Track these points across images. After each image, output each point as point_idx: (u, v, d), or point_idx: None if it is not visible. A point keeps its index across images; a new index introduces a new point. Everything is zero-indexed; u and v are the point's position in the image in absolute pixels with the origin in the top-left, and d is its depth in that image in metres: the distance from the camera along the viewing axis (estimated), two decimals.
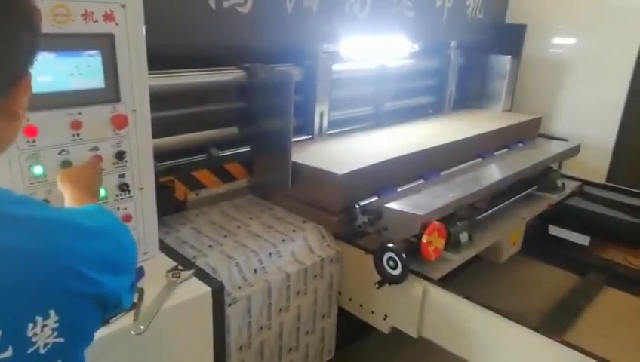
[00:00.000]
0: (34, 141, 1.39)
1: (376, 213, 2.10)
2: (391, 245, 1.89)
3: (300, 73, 2.65)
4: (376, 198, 2.25)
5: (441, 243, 1.99)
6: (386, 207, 2.08)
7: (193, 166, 2.29)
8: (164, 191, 2.13)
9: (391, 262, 1.90)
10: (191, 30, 2.14)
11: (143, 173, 1.66)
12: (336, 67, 2.77)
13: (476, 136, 2.91)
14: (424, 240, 1.90)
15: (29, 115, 1.36)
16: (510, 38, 4.03)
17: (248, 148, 2.47)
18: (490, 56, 3.88)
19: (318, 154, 2.44)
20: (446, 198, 2.17)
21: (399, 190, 2.37)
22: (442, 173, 2.65)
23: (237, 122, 2.43)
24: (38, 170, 1.41)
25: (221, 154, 2.38)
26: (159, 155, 2.07)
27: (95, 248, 0.82)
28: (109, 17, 1.45)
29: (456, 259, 2.07)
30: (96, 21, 1.43)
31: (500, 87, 3.90)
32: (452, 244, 2.08)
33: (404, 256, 1.86)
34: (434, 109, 3.72)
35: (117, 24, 1.47)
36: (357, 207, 2.16)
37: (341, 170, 2.13)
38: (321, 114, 2.77)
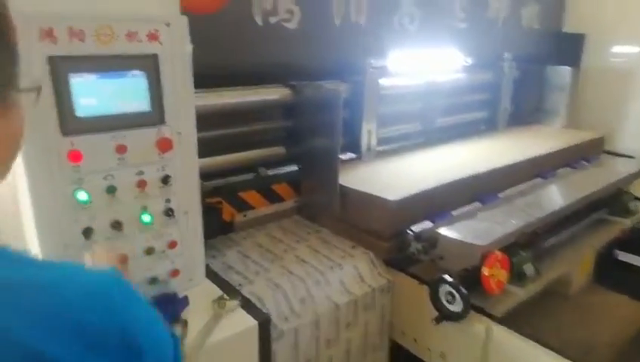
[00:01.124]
0: (78, 166, 1.34)
1: (431, 241, 1.94)
2: (448, 278, 1.72)
3: (347, 89, 2.54)
4: (429, 224, 2.08)
5: (504, 275, 1.80)
6: (442, 235, 1.91)
7: (240, 186, 2.22)
8: (211, 213, 2.07)
9: (449, 296, 1.73)
10: (236, 47, 2.09)
11: (188, 197, 1.59)
12: (384, 82, 2.64)
13: (537, 157, 2.69)
14: (485, 272, 1.72)
15: (73, 139, 1.31)
16: (568, 49, 3.78)
17: (295, 168, 2.37)
18: (547, 67, 3.65)
19: (367, 177, 2.31)
20: (507, 225, 1.98)
21: (454, 214, 2.19)
22: (500, 196, 2.45)
23: (284, 141, 2.35)
24: (82, 195, 1.35)
25: (268, 174, 2.29)
26: (206, 175, 2.01)
27: None
28: (153, 37, 1.40)
29: (522, 294, 1.87)
30: (140, 41, 1.37)
31: (558, 101, 3.66)
32: (516, 277, 1.89)
33: (463, 290, 1.68)
34: (487, 126, 3.51)
35: (161, 44, 1.42)
36: (410, 233, 2.00)
37: (393, 195, 1.99)
38: (369, 132, 2.64)
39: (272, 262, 1.99)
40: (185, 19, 1.45)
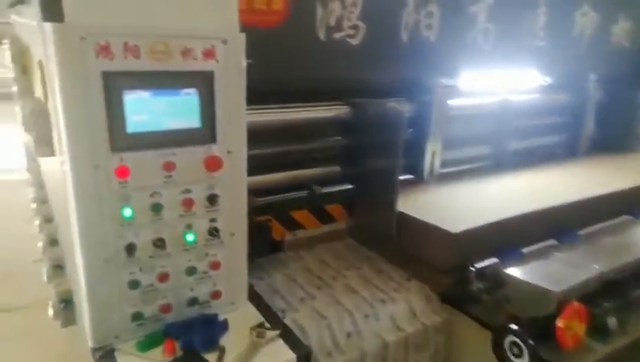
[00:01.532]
0: (125, 182, 1.32)
1: (497, 281, 1.75)
2: (515, 327, 1.52)
3: (412, 109, 2.41)
4: (495, 260, 1.89)
5: (581, 328, 1.57)
6: (511, 276, 1.72)
7: (292, 205, 2.15)
8: (261, 231, 2.01)
9: (514, 348, 1.54)
10: (297, 63, 2.03)
11: (235, 218, 1.53)
12: (452, 102, 2.48)
13: (625, 190, 2.39)
14: (561, 324, 1.51)
15: (122, 155, 1.29)
16: None
17: (349, 188, 2.27)
18: (638, 90, 3.28)
19: (428, 203, 2.16)
20: (589, 270, 1.74)
21: (525, 251, 1.98)
22: (580, 233, 2.19)
23: (340, 160, 2.25)
24: (127, 212, 1.33)
25: (321, 194, 2.20)
26: (258, 192, 1.96)
27: None
28: (208, 54, 1.36)
29: (603, 350, 1.63)
30: (195, 58, 1.34)
31: None
32: (596, 331, 1.65)
33: (532, 343, 1.48)
34: (565, 151, 3.21)
35: (217, 61, 1.38)
36: (472, 269, 1.82)
37: (455, 226, 1.83)
38: (433, 154, 2.48)
39: (320, 288, 1.88)
40: (242, 37, 1.41)
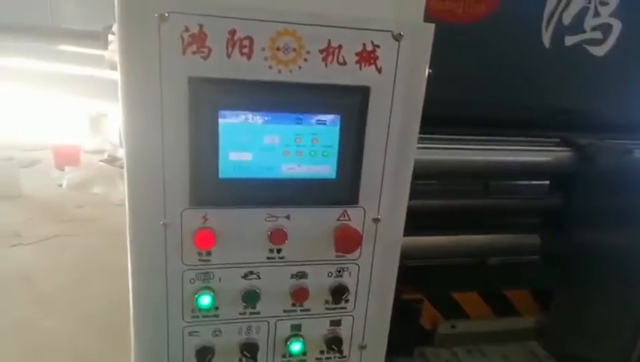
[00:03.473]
0: (209, 253, 0.83)
1: None
2: None
3: None
4: None
5: None
6: None
7: (456, 281, 1.48)
8: (405, 315, 1.40)
9: None
10: (499, 78, 1.34)
11: (372, 325, 0.95)
12: None
13: None
14: None
15: (208, 212, 0.80)
16: None
17: (548, 270, 1.50)
18: None
19: None
20: None
21: None
22: None
23: (541, 227, 1.50)
24: (205, 300, 0.84)
25: (500, 270, 1.49)
26: (406, 257, 1.34)
27: None
28: (367, 57, 0.79)
29: None
30: (343, 63, 0.78)
31: None
32: None
33: None
34: None
35: (379, 70, 0.80)
36: None
37: None
38: None
39: None
40: (430, 30, 0.81)
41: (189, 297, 0.84)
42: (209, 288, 0.84)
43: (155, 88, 0.73)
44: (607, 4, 1.32)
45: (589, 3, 1.31)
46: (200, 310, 0.85)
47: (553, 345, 1.54)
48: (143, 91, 0.73)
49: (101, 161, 5.72)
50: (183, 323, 0.86)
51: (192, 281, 0.84)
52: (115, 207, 4.41)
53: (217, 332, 0.88)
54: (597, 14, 1.32)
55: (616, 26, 1.34)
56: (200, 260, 0.83)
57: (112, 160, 5.65)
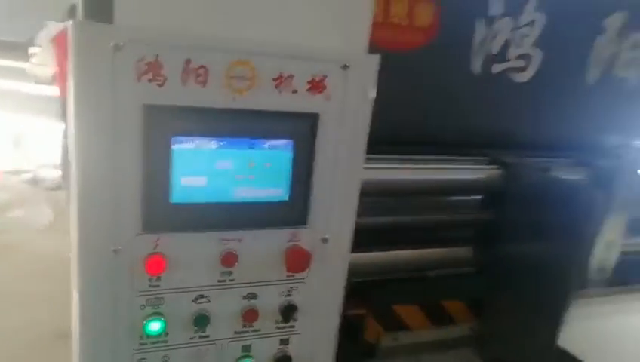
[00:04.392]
0: (158, 279, 0.82)
1: None
2: None
3: (581, 175, 1.70)
4: None
5: None
6: None
7: (397, 296, 1.55)
8: (350, 331, 1.44)
9: None
10: (430, 102, 1.44)
11: (319, 342, 0.99)
12: None
13: None
14: None
15: (159, 237, 0.80)
16: None
17: (480, 280, 1.62)
18: None
19: (604, 333, 1.45)
20: None
21: None
22: None
23: (474, 241, 1.61)
24: (155, 326, 0.83)
25: (438, 283, 1.59)
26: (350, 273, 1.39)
27: None
28: (316, 86, 0.83)
29: None
30: (294, 91, 0.81)
31: None
32: None
33: None
34: None
35: (327, 98, 0.84)
36: None
37: None
38: (609, 243, 1.73)
39: None
40: (374, 59, 0.86)
41: (138, 323, 0.83)
42: (159, 313, 0.84)
43: (107, 114, 0.72)
44: (528, 35, 1.46)
45: (514, 32, 1.44)
46: (148, 336, 0.84)
47: (485, 351, 1.65)
48: (96, 117, 0.72)
49: (23, 181, 5.25)
50: (131, 350, 0.84)
51: (142, 307, 0.83)
52: (37, 232, 4.04)
53: (166, 358, 0.87)
54: (520, 45, 1.46)
55: (537, 55, 1.48)
56: (150, 286, 0.82)
57: (35, 181, 5.19)
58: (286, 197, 0.87)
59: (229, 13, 0.78)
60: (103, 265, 0.78)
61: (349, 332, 1.42)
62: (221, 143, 0.80)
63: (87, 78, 0.71)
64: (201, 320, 0.86)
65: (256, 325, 0.92)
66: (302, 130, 0.85)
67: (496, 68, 1.45)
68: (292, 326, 0.95)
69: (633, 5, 1.53)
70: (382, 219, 1.46)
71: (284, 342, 0.95)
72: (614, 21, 1.54)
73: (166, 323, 0.84)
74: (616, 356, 1.34)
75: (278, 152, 0.84)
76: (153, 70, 0.73)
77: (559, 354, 1.32)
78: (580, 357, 1.31)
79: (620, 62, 1.59)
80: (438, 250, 1.57)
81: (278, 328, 0.94)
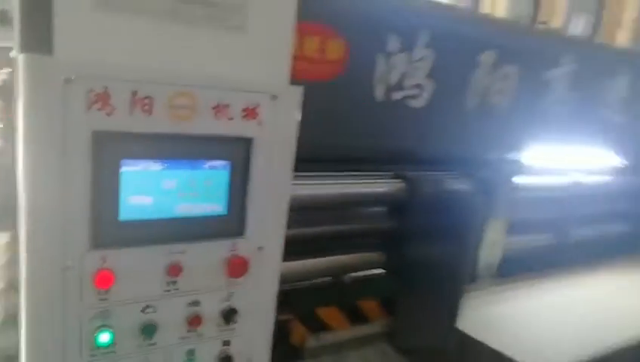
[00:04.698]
0: (106, 293, 0.88)
1: None
2: None
3: (467, 185, 1.99)
4: None
5: None
6: None
7: (319, 300, 1.70)
8: (278, 335, 1.55)
9: None
10: (342, 125, 1.62)
11: (256, 341, 1.09)
12: (518, 181, 2.07)
13: None
14: None
15: (107, 253, 0.87)
16: None
17: (390, 281, 1.82)
18: None
19: (492, 317, 1.72)
20: None
21: None
22: None
23: (385, 247, 1.81)
24: (104, 337, 0.89)
25: (353, 286, 1.77)
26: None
27: None
28: (250, 114, 0.96)
29: None
30: (231, 118, 0.94)
31: None
32: None
33: None
34: (631, 245, 2.77)
35: (259, 123, 0.97)
36: None
37: None
38: (493, 243, 2.04)
39: None
40: (298, 92, 1.01)
41: (87, 336, 0.88)
42: (108, 326, 0.89)
43: (57, 140, 0.79)
44: (420, 68, 1.72)
45: (408, 68, 1.69)
46: (98, 348, 0.89)
47: (398, 342, 1.85)
48: (46, 142, 0.78)
49: None
50: (84, 360, 0.88)
51: (91, 321, 0.88)
52: None
53: None
54: (414, 76, 1.71)
55: (429, 85, 1.74)
56: (99, 299, 0.88)
57: None
58: (225, 212, 0.98)
59: (170, 51, 0.88)
60: (52, 282, 0.83)
61: (278, 336, 1.54)
62: (166, 165, 0.89)
63: (37, 107, 0.77)
64: (149, 329, 0.93)
65: (200, 329, 1.00)
66: (238, 152, 0.97)
67: (396, 96, 1.68)
68: (233, 329, 1.05)
69: (500, 45, 1.86)
70: (304, 230, 1.61)
71: (226, 343, 1.05)
72: (487, 57, 1.87)
73: (115, 334, 0.90)
74: (503, 333, 1.60)
75: (217, 172, 0.95)
76: (102, 100, 0.81)
77: (458, 336, 1.56)
78: (474, 336, 1.55)
79: (492, 91, 1.92)
80: (352, 255, 1.75)
81: (221, 331, 1.03)
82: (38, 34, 0.81)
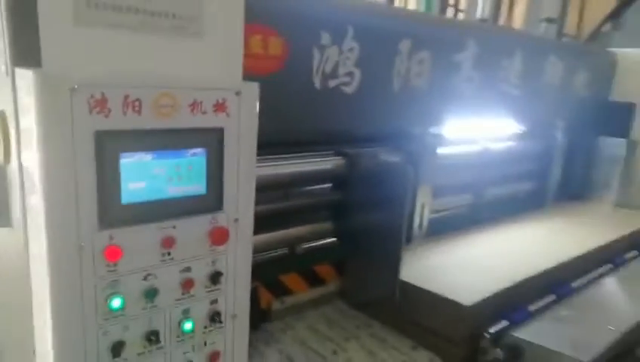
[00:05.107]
0: (115, 265, 1.06)
1: (515, 349, 1.63)
2: None
3: (399, 157, 2.30)
4: (506, 323, 1.78)
5: None
6: (529, 342, 1.61)
7: (279, 268, 1.93)
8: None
9: None
10: (290, 112, 1.85)
11: (238, 298, 1.30)
12: (439, 151, 2.41)
13: (611, 242, 2.42)
14: None
15: (114, 232, 1.04)
16: (617, 119, 3.58)
17: (338, 246, 2.09)
18: (598, 138, 3.44)
19: (427, 268, 2.04)
20: (609, 333, 1.67)
21: (531, 309, 1.89)
22: (574, 286, 2.16)
23: (332, 217, 2.07)
24: (116, 302, 1.06)
25: (307, 253, 2.01)
26: None
27: None
28: (220, 108, 1.15)
29: None
30: (204, 112, 1.13)
31: (609, 175, 3.42)
32: None
33: None
34: (534, 198, 3.25)
35: (228, 115, 1.17)
36: (487, 336, 1.69)
37: (466, 298, 1.71)
38: (423, 206, 2.38)
39: None
40: (256, 87, 1.22)
41: (102, 302, 1.05)
42: (118, 292, 1.07)
43: (67, 140, 0.94)
44: (349, 58, 1.97)
45: (340, 56, 1.93)
46: (112, 312, 1.07)
47: (351, 298, 2.13)
48: (61, 143, 0.93)
49: None
50: (98, 325, 1.05)
51: (105, 289, 1.05)
52: None
53: (126, 328, 1.10)
54: (345, 65, 1.96)
55: (358, 72, 2.00)
56: (109, 271, 1.05)
57: None
58: (205, 191, 1.17)
59: (147, 58, 1.05)
60: (71, 259, 0.99)
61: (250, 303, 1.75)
62: (155, 155, 1.07)
63: (49, 113, 0.92)
64: (151, 294, 1.11)
65: (193, 291, 1.19)
66: (212, 140, 1.16)
67: (331, 83, 1.93)
68: (219, 289, 1.25)
69: (414, 35, 2.17)
70: (262, 207, 1.82)
71: (214, 301, 1.25)
72: (405, 45, 2.16)
73: (124, 299, 1.08)
74: (437, 279, 1.91)
75: (197, 158, 1.14)
76: (101, 105, 0.98)
77: (401, 286, 1.85)
78: (414, 283, 1.86)
79: (412, 75, 2.22)
80: (306, 227, 2.00)
81: (209, 291, 1.23)
82: (27, 48, 0.96)
